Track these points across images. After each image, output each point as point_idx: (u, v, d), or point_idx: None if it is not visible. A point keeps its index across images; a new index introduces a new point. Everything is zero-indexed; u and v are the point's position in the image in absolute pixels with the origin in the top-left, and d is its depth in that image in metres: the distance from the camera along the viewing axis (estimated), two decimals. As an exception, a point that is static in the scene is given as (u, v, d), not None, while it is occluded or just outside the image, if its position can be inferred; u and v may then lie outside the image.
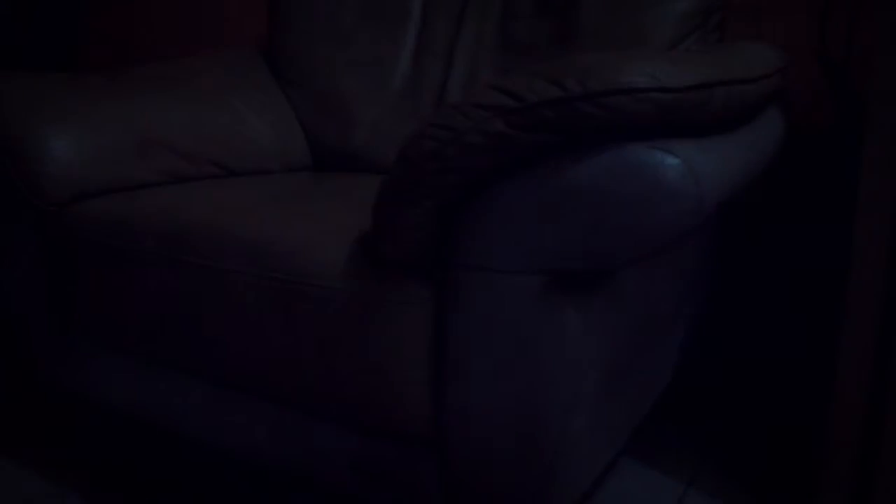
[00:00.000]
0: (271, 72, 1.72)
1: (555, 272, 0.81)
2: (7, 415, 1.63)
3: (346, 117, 1.61)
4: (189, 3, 2.28)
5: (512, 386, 0.84)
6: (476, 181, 0.81)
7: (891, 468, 1.01)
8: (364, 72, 1.62)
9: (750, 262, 1.57)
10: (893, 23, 0.92)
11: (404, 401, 0.93)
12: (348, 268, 0.94)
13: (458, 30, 1.57)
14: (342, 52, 1.64)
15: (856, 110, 1.28)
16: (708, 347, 1.62)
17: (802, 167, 1.46)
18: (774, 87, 1.07)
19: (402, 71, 1.61)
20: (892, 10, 0.92)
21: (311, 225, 1.01)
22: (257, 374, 1.03)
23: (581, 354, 0.84)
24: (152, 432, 1.53)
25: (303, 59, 1.67)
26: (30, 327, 1.37)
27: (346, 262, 0.94)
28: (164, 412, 1.22)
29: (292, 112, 1.66)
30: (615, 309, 0.90)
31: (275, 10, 1.73)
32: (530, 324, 0.82)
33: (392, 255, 0.89)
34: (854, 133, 1.24)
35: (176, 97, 1.48)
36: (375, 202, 0.89)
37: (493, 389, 0.85)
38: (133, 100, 1.41)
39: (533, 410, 0.84)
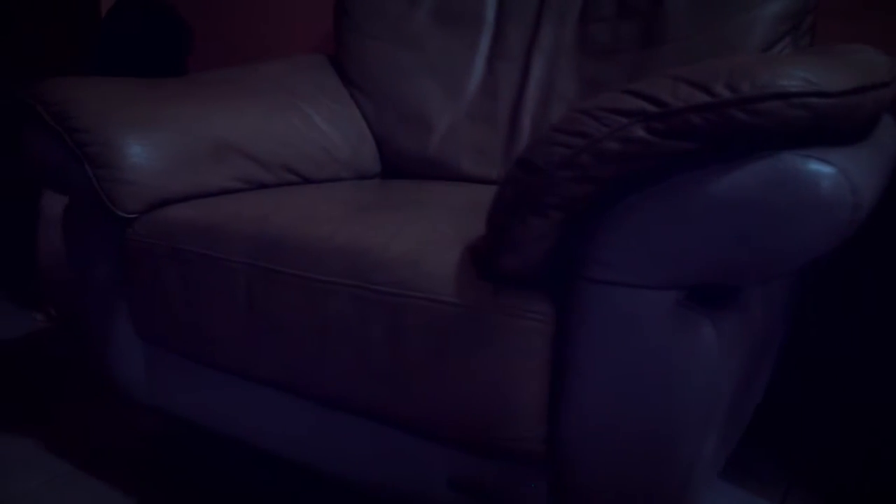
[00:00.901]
0: (339, 77, 1.67)
1: (693, 287, 0.76)
2: (81, 424, 1.59)
3: (419, 123, 1.56)
4: (255, 10, 2.24)
5: (642, 407, 0.79)
6: (610, 191, 0.76)
7: None
8: (437, 77, 1.58)
9: (839, 272, 1.52)
10: None
11: (516, 419, 0.89)
12: (459, 279, 0.89)
13: (534, 34, 1.53)
14: (414, 57, 1.60)
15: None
16: (792, 361, 1.57)
17: None
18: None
19: (476, 76, 1.57)
20: None
21: (412, 234, 0.98)
22: (355, 390, 0.99)
23: (716, 375, 0.79)
24: (234, 447, 1.49)
25: (373, 65, 1.63)
26: (107, 336, 1.34)
27: (455, 273, 0.90)
28: (247, 428, 1.19)
29: (362, 118, 1.62)
30: (745, 326, 0.85)
31: (342, 15, 1.70)
32: (665, 341, 0.77)
33: (510, 267, 0.84)
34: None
35: (249, 102, 1.44)
36: (491, 211, 0.84)
37: (621, 410, 0.81)
38: (208, 105, 1.38)
39: (665, 434, 0.80)
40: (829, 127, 0.72)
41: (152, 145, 1.26)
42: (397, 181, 1.49)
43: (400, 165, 1.61)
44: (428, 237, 0.97)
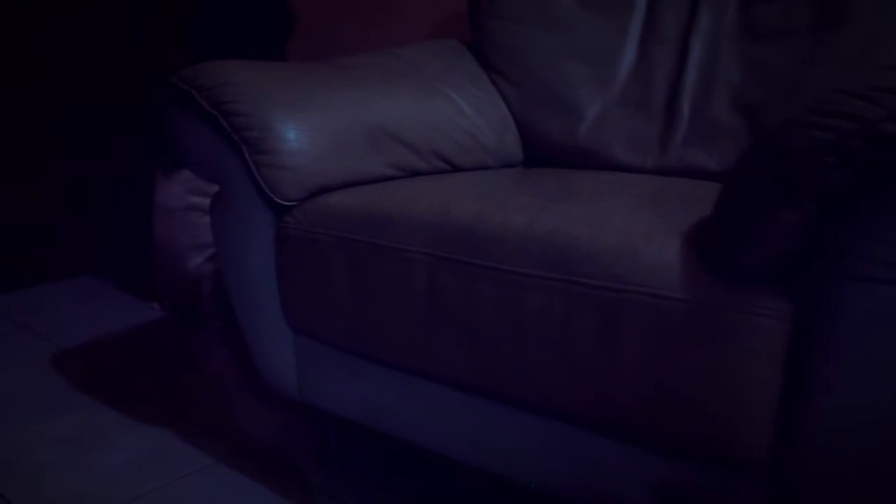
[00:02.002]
0: (479, 63, 1.60)
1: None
2: (218, 417, 1.56)
3: (568, 110, 1.50)
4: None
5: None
6: (878, 178, 0.68)
7: None
8: (585, 62, 1.51)
9: None
10: None
11: (742, 423, 0.82)
12: (681, 273, 0.82)
13: (690, 16, 1.45)
14: (560, 41, 1.54)
15: None
16: None
17: None
18: None
19: (627, 61, 1.50)
20: None
21: (618, 225, 0.92)
22: (554, 389, 0.92)
23: None
24: (381, 444, 1.43)
25: (516, 50, 1.57)
26: (256, 328, 1.30)
27: (677, 266, 0.83)
28: (410, 426, 1.14)
29: (504, 104, 1.55)
30: None
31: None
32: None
33: (748, 262, 0.77)
34: None
35: (399, 88, 1.39)
36: (727, 201, 0.78)
37: (876, 416, 0.73)
38: (360, 89, 1.33)
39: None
40: None
41: (311, 130, 1.21)
42: (555, 170, 1.43)
43: (544, 153, 1.54)
44: (635, 228, 0.90)
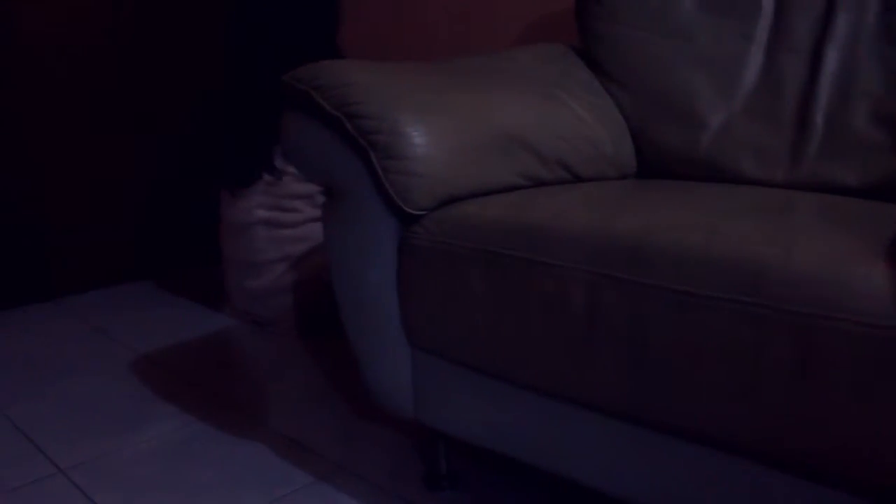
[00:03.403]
0: (590, 69, 1.53)
1: None
2: (328, 434, 1.49)
3: (689, 120, 1.42)
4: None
5: None
6: None
7: None
8: (706, 70, 1.44)
9: None
10: None
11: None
12: (894, 300, 0.74)
13: (825, 23, 1.37)
14: (680, 47, 1.46)
15: None
16: None
17: None
18: None
19: (753, 69, 1.42)
20: None
21: (810, 246, 0.84)
22: (732, 422, 0.85)
23: None
24: (508, 468, 1.36)
25: (632, 56, 1.50)
26: (371, 343, 1.23)
27: (889, 292, 0.74)
28: (548, 453, 1.09)
29: (619, 112, 1.47)
30: None
31: (592, 4, 1.58)
32: None
33: None
34: None
35: (519, 93, 1.33)
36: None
37: None
38: (483, 94, 1.26)
39: None
40: None
41: (441, 135, 1.14)
42: (687, 182, 1.36)
43: (661, 164, 1.46)
44: (828, 249, 0.82)
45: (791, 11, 1.42)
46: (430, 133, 1.14)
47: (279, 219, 1.99)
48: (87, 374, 1.83)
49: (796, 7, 1.41)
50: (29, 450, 1.48)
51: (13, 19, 2.27)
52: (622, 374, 0.94)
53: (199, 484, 1.35)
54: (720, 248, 0.87)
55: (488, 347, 1.07)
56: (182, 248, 2.71)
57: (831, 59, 1.36)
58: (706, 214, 0.97)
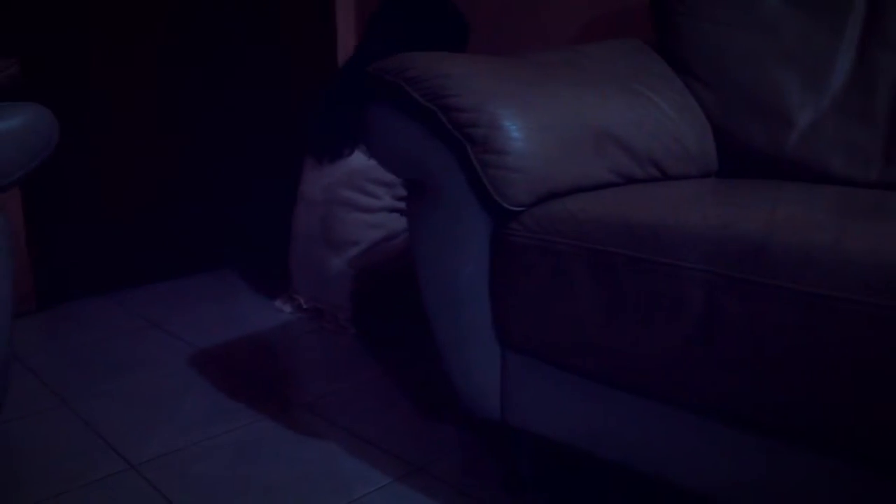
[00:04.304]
0: (669, 65, 1.49)
1: None
2: (401, 435, 1.46)
3: (774, 118, 1.39)
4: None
5: None
6: None
7: None
8: (793, 66, 1.40)
9: None
10: None
11: None
12: None
13: (920, 19, 1.32)
14: (765, 43, 1.43)
15: None
16: None
17: None
18: None
19: (844, 66, 1.39)
20: None
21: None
22: (866, 437, 0.81)
23: None
24: (597, 472, 1.33)
25: (713, 51, 1.46)
26: (457, 341, 1.20)
27: None
28: (656, 456, 1.07)
29: (700, 109, 1.44)
30: None
31: (671, -3, 1.52)
32: None
33: None
34: None
35: (607, 89, 1.29)
36: None
37: None
38: (576, 88, 1.23)
39: None
40: None
41: (539, 130, 1.12)
42: (779, 181, 1.32)
43: (744, 163, 1.43)
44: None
45: (885, 6, 1.38)
46: (529, 127, 1.11)
47: (358, 201, 1.97)
48: (148, 370, 1.82)
49: (891, 2, 1.37)
50: (99, 446, 1.46)
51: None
52: (741, 377, 0.91)
53: (272, 483, 1.34)
54: (854, 249, 0.84)
55: (593, 348, 1.04)
56: (233, 244, 2.69)
57: (927, 56, 1.32)
58: (826, 213, 0.93)
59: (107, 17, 2.33)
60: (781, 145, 1.40)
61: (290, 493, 1.30)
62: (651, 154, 1.27)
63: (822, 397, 0.85)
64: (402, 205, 2.03)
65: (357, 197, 1.97)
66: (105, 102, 2.34)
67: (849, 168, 1.35)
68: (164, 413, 1.59)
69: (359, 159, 1.96)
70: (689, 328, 0.93)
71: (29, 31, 2.17)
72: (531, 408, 1.18)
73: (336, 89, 2.03)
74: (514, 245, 1.10)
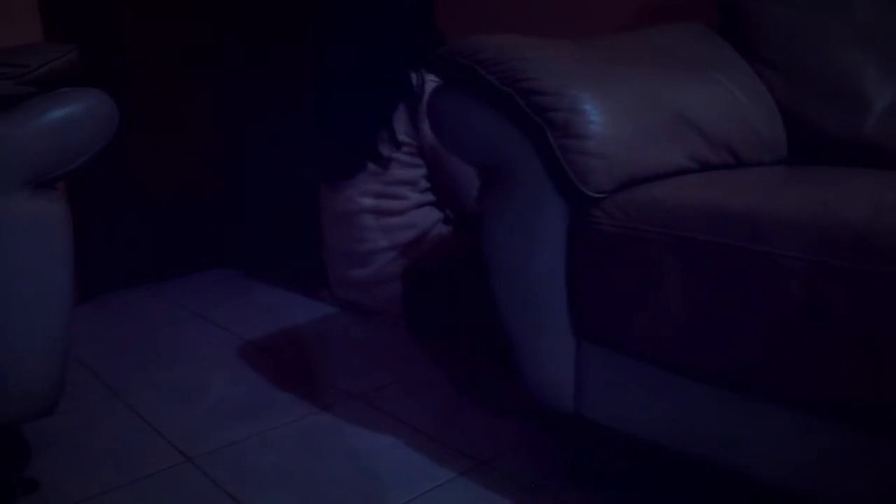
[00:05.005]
0: (735, 48, 1.45)
1: None
2: (462, 429, 1.42)
3: (852, 101, 1.34)
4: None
5: None
6: None
7: None
8: (868, 48, 1.36)
9: None
10: None
11: None
12: None
13: None
14: (837, 25, 1.38)
15: None
16: None
17: None
18: None
19: (923, 48, 1.32)
20: None
21: None
22: None
23: None
24: (667, 466, 1.28)
25: (782, 33, 1.42)
26: (529, 333, 1.16)
27: None
28: (744, 451, 1.03)
29: (769, 93, 1.39)
30: None
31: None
32: None
33: None
34: None
35: (681, 73, 1.24)
36: None
37: None
38: (651, 73, 1.18)
39: None
40: None
41: (618, 114, 1.08)
42: (866, 169, 1.26)
43: (815, 148, 1.39)
44: None
45: (963, -14, 1.33)
46: (610, 112, 1.08)
47: (386, 206, 1.93)
48: (197, 361, 1.81)
49: (969, -18, 1.32)
50: (154, 438, 1.44)
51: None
52: (846, 369, 0.87)
53: (332, 476, 1.32)
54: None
55: (683, 339, 1.00)
56: (271, 236, 2.66)
57: None
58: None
59: (141, 17, 2.30)
60: (858, 130, 1.35)
61: (353, 487, 1.27)
62: (726, 140, 1.23)
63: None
64: (430, 198, 2.00)
65: (383, 203, 1.93)
66: (140, 102, 2.31)
67: (930, 154, 1.30)
68: (216, 404, 1.57)
69: (371, 167, 1.92)
70: (788, 318, 0.90)
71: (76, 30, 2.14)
72: (607, 400, 1.15)
73: (333, 98, 1.98)
74: (597, 233, 1.06)
